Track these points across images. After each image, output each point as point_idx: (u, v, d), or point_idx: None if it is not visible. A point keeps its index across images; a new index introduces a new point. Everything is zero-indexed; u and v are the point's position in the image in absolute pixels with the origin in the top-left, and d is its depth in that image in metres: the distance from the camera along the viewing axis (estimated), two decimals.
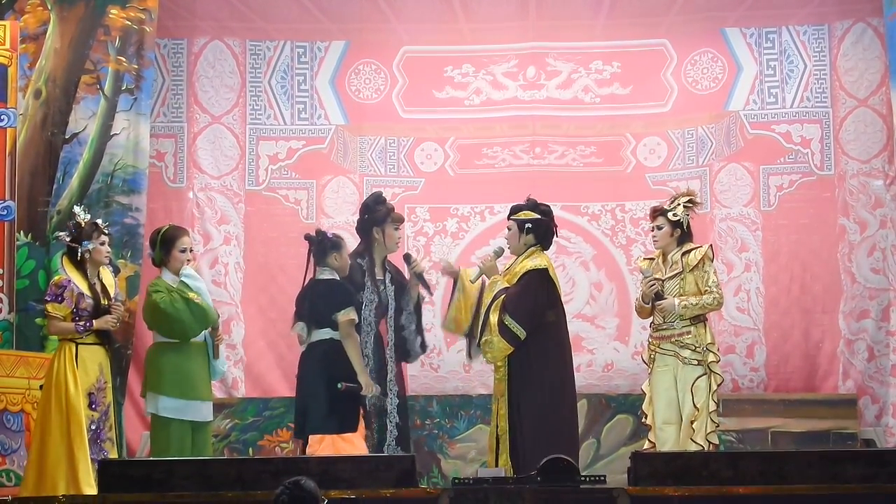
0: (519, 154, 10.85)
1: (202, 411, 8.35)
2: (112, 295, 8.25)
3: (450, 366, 10.58)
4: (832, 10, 10.57)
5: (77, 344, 8.07)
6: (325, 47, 10.91)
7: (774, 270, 10.46)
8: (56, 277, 8.24)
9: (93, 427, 8.06)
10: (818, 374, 10.26)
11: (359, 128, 10.89)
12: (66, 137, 9.70)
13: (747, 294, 10.41)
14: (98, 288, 8.20)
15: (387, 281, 8.69)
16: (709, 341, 8.39)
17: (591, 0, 10.75)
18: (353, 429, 8.31)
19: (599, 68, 10.87)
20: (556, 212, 10.55)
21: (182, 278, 8.31)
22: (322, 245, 8.45)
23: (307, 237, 8.60)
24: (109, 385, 8.25)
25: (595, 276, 10.68)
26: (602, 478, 6.77)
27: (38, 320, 9.39)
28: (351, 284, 8.48)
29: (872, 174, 10.37)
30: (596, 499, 6.59)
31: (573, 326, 10.47)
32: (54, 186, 9.64)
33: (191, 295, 8.25)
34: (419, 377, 10.52)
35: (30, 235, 9.50)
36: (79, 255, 8.14)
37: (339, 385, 8.18)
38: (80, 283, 8.11)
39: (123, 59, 9.80)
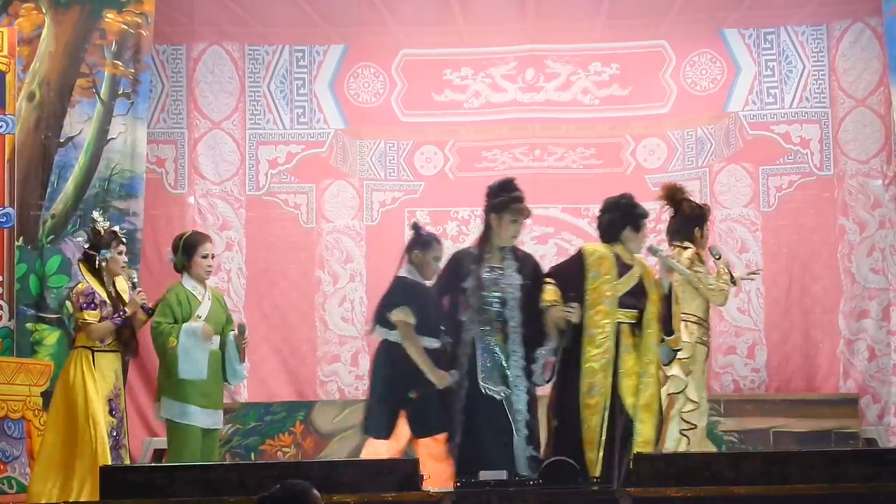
0: (518, 156, 10.86)
1: (211, 419, 8.33)
2: (126, 302, 8.21)
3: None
4: (830, 11, 10.58)
5: (94, 351, 8.06)
6: (323, 51, 10.92)
7: (774, 271, 10.47)
8: (80, 286, 8.17)
9: (113, 434, 8.05)
10: (819, 374, 10.26)
11: (358, 131, 10.90)
12: (61, 141, 9.69)
13: (748, 295, 10.41)
14: (114, 296, 8.18)
15: (507, 270, 7.78)
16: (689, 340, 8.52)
17: (589, 2, 10.75)
18: (419, 435, 7.76)
19: (598, 70, 10.88)
20: (556, 213, 10.65)
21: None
22: (411, 239, 8.00)
23: (413, 226, 8.13)
24: (123, 391, 8.26)
25: None
26: (598, 479, 6.77)
27: (28, 325, 9.39)
28: (454, 277, 7.79)
29: (871, 174, 10.38)
30: (597, 500, 6.59)
31: None
32: (48, 190, 9.61)
33: (171, 341, 8.13)
34: None
35: (21, 239, 9.47)
36: (96, 263, 8.11)
37: (410, 394, 7.72)
38: (99, 291, 8.09)
39: (120, 64, 9.79)
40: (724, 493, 6.40)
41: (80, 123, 9.74)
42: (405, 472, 6.64)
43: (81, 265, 8.23)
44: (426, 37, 10.88)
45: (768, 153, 10.61)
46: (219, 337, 8.39)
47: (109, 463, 7.77)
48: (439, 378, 7.65)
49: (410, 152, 10.92)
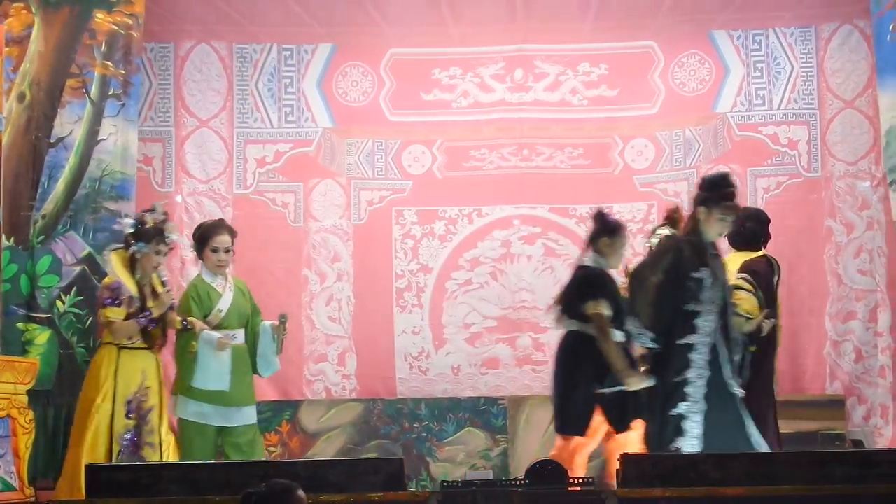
0: (507, 156, 10.85)
1: (225, 417, 8.30)
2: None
3: (438, 369, 10.59)
4: (819, 13, 10.59)
5: (120, 349, 8.00)
6: (311, 50, 10.90)
7: None
8: (106, 280, 8.13)
9: (128, 436, 8.01)
10: (805, 376, 10.27)
11: (346, 130, 10.88)
12: (52, 142, 9.65)
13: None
14: (147, 291, 8.11)
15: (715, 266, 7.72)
16: None
17: (578, 2, 10.73)
18: (620, 430, 7.55)
19: (587, 70, 10.88)
20: (544, 213, 10.66)
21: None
22: (597, 226, 7.76)
23: (594, 216, 7.89)
24: (154, 388, 8.17)
25: None
26: (590, 480, 6.77)
27: (19, 325, 9.37)
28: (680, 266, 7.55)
29: (859, 176, 10.39)
30: (584, 501, 6.59)
31: None
32: (38, 191, 9.58)
33: (191, 346, 8.19)
34: (408, 380, 10.54)
35: (12, 239, 9.44)
36: (129, 252, 8.05)
37: (601, 391, 7.48)
38: (129, 285, 7.99)
39: (110, 64, 9.76)
40: (709, 494, 6.40)
41: (70, 124, 9.70)
42: (391, 471, 6.64)
43: (114, 255, 8.17)
44: (415, 36, 10.87)
45: (756, 154, 10.61)
46: (242, 330, 8.33)
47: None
48: (635, 380, 7.40)
49: (398, 151, 10.90)
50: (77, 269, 9.50)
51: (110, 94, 9.82)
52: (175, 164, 10.65)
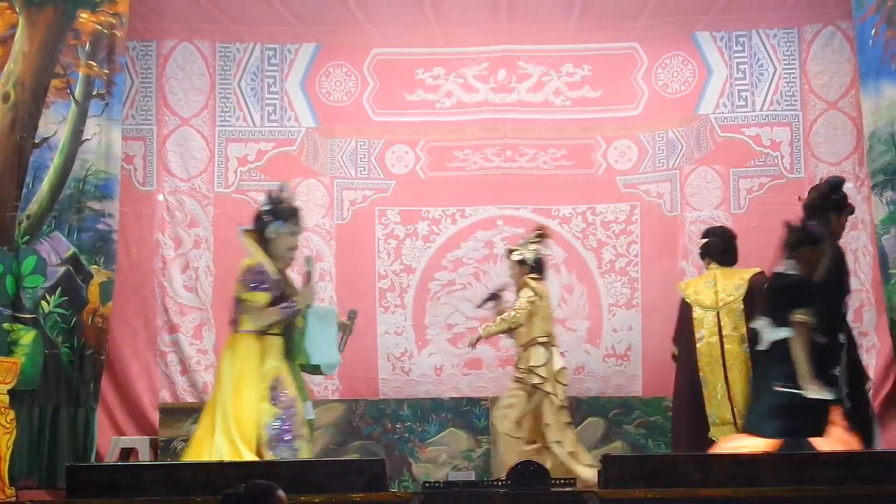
0: (490, 157, 10.86)
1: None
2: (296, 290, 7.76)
3: (421, 369, 10.59)
4: (802, 15, 10.60)
5: (260, 334, 7.63)
6: (295, 50, 10.89)
7: None
8: (248, 262, 7.68)
9: (276, 424, 7.54)
10: None
11: (329, 130, 10.87)
12: (36, 142, 9.62)
13: None
14: (286, 277, 7.78)
15: None
16: (534, 364, 8.77)
17: (562, 3, 10.73)
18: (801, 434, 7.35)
19: (570, 71, 10.88)
20: (527, 214, 10.66)
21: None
22: (797, 235, 7.67)
23: (786, 224, 7.84)
24: (288, 378, 7.69)
25: (566, 278, 10.69)
26: (572, 480, 6.78)
27: (5, 325, 9.35)
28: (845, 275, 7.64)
29: (843, 175, 10.38)
30: (566, 502, 6.60)
31: None
32: (23, 191, 9.55)
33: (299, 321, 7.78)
34: (390, 381, 10.53)
35: None
36: (265, 232, 7.68)
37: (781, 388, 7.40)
38: (269, 268, 7.64)
39: (94, 64, 9.73)
40: (691, 495, 6.42)
41: (54, 124, 9.66)
42: (373, 472, 6.64)
43: (246, 236, 7.75)
44: (398, 36, 10.86)
45: (739, 155, 10.63)
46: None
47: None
48: (816, 389, 7.27)
49: (381, 151, 10.89)
50: (62, 269, 9.48)
51: (94, 93, 9.79)
52: (157, 162, 10.62)
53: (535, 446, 8.88)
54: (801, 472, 6.50)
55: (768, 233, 10.09)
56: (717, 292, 8.65)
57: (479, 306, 9.50)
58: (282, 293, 7.67)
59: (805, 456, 6.79)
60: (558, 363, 9.01)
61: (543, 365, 8.91)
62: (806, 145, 10.53)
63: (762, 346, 7.56)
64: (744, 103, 10.67)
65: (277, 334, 7.70)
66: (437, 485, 6.67)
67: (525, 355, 9.04)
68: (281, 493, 4.76)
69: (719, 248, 8.89)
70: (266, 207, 7.79)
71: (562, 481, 6.74)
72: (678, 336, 8.94)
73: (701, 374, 8.55)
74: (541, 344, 9.00)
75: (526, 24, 10.79)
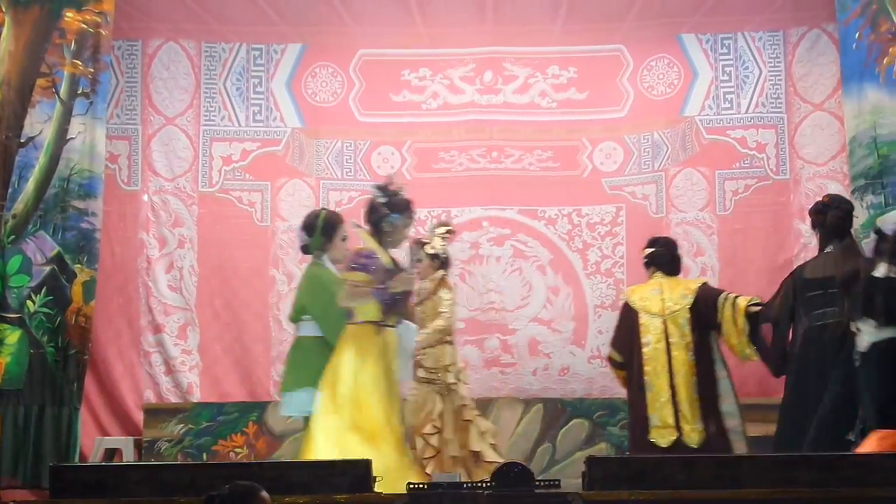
0: (476, 158, 10.87)
1: None
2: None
3: None
4: (787, 17, 10.63)
5: (378, 328, 7.61)
6: (281, 50, 10.89)
7: (730, 274, 10.49)
8: (359, 246, 7.71)
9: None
10: (773, 379, 10.26)
11: (315, 131, 10.87)
12: (22, 141, 9.58)
13: None
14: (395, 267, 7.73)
15: None
16: (447, 363, 8.64)
17: (548, 5, 10.74)
18: None
19: (556, 73, 10.90)
20: (513, 216, 10.68)
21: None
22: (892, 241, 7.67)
23: (877, 231, 7.94)
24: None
25: (552, 280, 10.70)
26: (557, 482, 6.78)
27: None
28: None
29: (829, 176, 10.42)
30: (550, 503, 6.59)
31: (529, 330, 10.53)
32: (9, 191, 9.52)
33: None
34: None
35: None
36: (382, 224, 7.72)
37: None
38: (382, 256, 7.63)
39: (79, 63, 9.70)
40: (676, 497, 6.42)
41: (40, 124, 9.63)
42: (357, 472, 6.63)
43: (361, 231, 7.80)
44: (384, 37, 10.86)
45: (724, 157, 10.65)
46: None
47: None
48: None
49: (367, 152, 10.90)
50: (47, 268, 9.45)
51: (79, 92, 9.76)
52: (141, 161, 10.61)
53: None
54: (785, 473, 6.51)
55: (754, 234, 10.19)
56: (663, 300, 8.71)
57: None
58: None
59: (789, 458, 6.81)
60: (460, 361, 8.98)
61: (454, 363, 8.80)
62: (791, 147, 10.55)
63: (862, 348, 7.58)
64: (729, 105, 10.69)
65: (393, 326, 7.70)
66: (421, 486, 6.67)
67: (435, 354, 8.72)
68: (264, 493, 4.75)
69: (666, 258, 8.97)
70: (382, 199, 7.84)
71: (546, 483, 6.73)
72: (620, 340, 8.94)
73: (646, 378, 8.59)
74: (448, 342, 8.85)
75: (512, 26, 10.80)
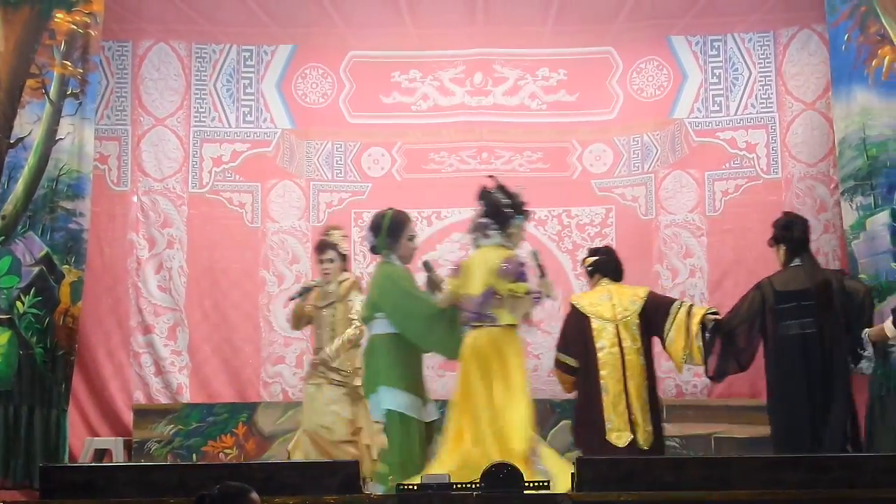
0: (466, 159, 10.87)
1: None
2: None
3: None
4: (777, 18, 10.64)
5: (516, 329, 7.80)
6: (271, 51, 10.89)
7: (719, 276, 10.51)
8: (508, 253, 7.85)
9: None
10: (761, 380, 10.29)
11: (305, 132, 10.87)
12: (11, 142, 9.57)
13: (692, 300, 10.42)
14: None
15: None
16: (358, 365, 8.61)
17: (538, 7, 10.76)
18: None
19: (546, 75, 10.91)
20: None
21: None
22: None
23: None
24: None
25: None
26: (546, 483, 6.79)
27: None
28: None
29: (819, 178, 10.43)
30: None
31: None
32: None
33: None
34: None
35: None
36: (509, 225, 7.87)
37: None
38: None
39: (69, 64, 9.67)
40: (665, 498, 6.43)
41: (29, 124, 9.60)
42: (347, 473, 6.64)
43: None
44: (375, 39, 10.87)
45: (714, 159, 10.66)
46: None
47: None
48: None
49: (358, 154, 10.90)
50: (35, 269, 9.42)
51: (68, 93, 9.73)
52: (131, 162, 10.61)
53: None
54: (773, 474, 6.53)
55: (744, 235, 10.20)
56: (614, 306, 8.76)
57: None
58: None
59: (778, 459, 6.83)
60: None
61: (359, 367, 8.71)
62: (783, 146, 10.56)
63: None
64: (718, 108, 10.71)
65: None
66: (410, 487, 6.68)
67: (347, 356, 8.63)
68: (254, 495, 4.75)
69: (611, 265, 9.02)
70: (506, 201, 7.95)
71: (535, 483, 6.74)
72: (573, 345, 8.97)
73: (602, 381, 8.63)
74: (359, 346, 8.73)
75: (502, 28, 10.81)
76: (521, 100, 10.89)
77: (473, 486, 6.59)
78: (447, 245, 10.72)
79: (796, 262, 8.48)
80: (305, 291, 8.87)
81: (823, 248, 10.35)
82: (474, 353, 7.81)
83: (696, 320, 8.53)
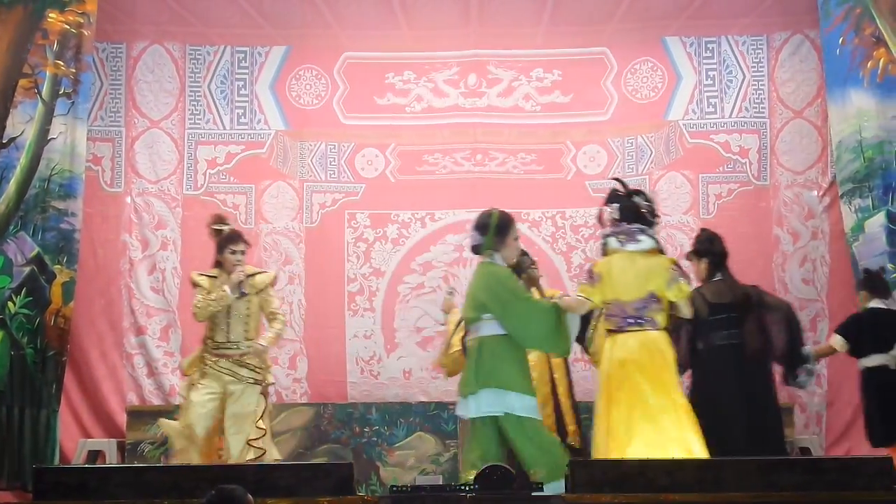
0: (460, 161, 10.87)
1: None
2: None
3: (390, 373, 10.58)
4: (771, 22, 10.67)
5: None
6: (265, 52, 10.88)
7: None
8: (670, 258, 8.00)
9: None
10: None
11: (299, 133, 10.87)
12: (4, 142, 9.57)
13: None
14: None
15: None
16: (269, 363, 8.60)
17: (532, 8, 10.76)
18: None
19: (540, 76, 10.92)
20: None
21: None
22: None
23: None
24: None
25: None
26: (539, 485, 6.78)
27: None
28: None
29: (807, 185, 10.48)
30: None
31: None
32: None
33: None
34: (359, 384, 10.52)
35: None
36: (656, 230, 7.97)
37: None
38: None
39: (61, 63, 9.68)
40: (658, 500, 6.43)
41: (21, 124, 9.60)
42: (341, 476, 6.63)
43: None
44: (369, 40, 10.86)
45: (707, 161, 10.68)
46: None
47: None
48: None
49: (351, 155, 10.89)
50: (27, 269, 9.42)
51: (60, 92, 9.74)
52: (125, 164, 10.60)
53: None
54: (767, 477, 6.53)
55: (736, 238, 10.17)
56: None
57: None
58: None
59: (772, 461, 6.82)
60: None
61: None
62: (772, 153, 10.59)
63: None
64: (713, 110, 10.73)
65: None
66: (404, 489, 6.66)
67: (258, 353, 8.49)
68: (250, 497, 4.74)
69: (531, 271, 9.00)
70: (647, 204, 7.94)
71: (529, 485, 6.74)
72: None
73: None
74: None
75: (496, 29, 10.81)
76: (515, 101, 10.89)
77: (467, 487, 6.58)
78: (441, 247, 10.72)
79: (718, 276, 8.44)
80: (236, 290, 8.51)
81: (811, 255, 10.41)
82: (627, 356, 7.65)
83: None
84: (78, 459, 9.70)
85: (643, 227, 7.87)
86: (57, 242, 9.52)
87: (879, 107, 9.22)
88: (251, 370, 8.40)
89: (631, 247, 7.83)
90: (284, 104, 10.86)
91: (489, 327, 7.67)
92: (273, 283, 8.62)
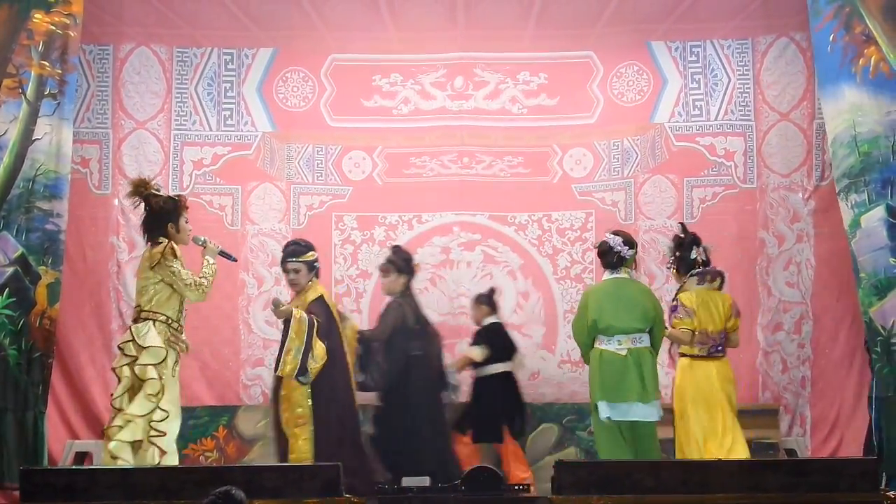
0: (447, 164, 10.88)
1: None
2: None
3: None
4: (756, 25, 10.69)
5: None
6: (252, 54, 10.88)
7: None
8: (730, 297, 8.93)
9: None
10: (739, 385, 10.29)
11: (286, 135, 10.86)
12: None
13: (667, 305, 10.47)
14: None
15: None
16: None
17: (518, 11, 10.78)
18: None
19: (527, 79, 10.93)
20: (484, 221, 10.70)
21: None
22: None
23: None
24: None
25: (522, 285, 10.73)
26: (526, 486, 6.81)
27: None
28: None
29: (792, 188, 10.51)
30: None
31: None
32: None
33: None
34: None
35: None
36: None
37: None
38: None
39: (47, 64, 9.65)
40: (644, 502, 6.46)
41: (5, 124, 9.56)
42: (327, 477, 6.64)
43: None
44: (356, 42, 10.87)
45: (693, 165, 10.70)
46: None
47: None
48: None
49: (339, 157, 10.90)
50: (10, 270, 9.37)
51: (46, 93, 9.69)
52: (112, 166, 10.59)
53: None
54: (753, 478, 6.56)
55: (721, 242, 10.22)
56: None
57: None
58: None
59: (757, 463, 6.86)
60: None
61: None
62: (759, 156, 10.61)
63: None
64: (698, 113, 10.75)
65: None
66: (391, 489, 6.69)
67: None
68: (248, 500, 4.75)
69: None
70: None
71: (516, 486, 6.77)
72: None
73: None
74: None
75: (483, 31, 10.83)
76: (501, 104, 10.90)
77: (454, 488, 6.61)
78: (428, 249, 10.73)
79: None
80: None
81: (796, 258, 10.44)
82: (706, 380, 8.72)
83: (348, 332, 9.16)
84: (65, 461, 9.68)
85: (709, 270, 8.91)
86: (42, 243, 9.47)
87: (873, 102, 9.22)
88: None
89: (707, 286, 8.87)
90: (271, 106, 10.86)
91: (647, 339, 8.70)
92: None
